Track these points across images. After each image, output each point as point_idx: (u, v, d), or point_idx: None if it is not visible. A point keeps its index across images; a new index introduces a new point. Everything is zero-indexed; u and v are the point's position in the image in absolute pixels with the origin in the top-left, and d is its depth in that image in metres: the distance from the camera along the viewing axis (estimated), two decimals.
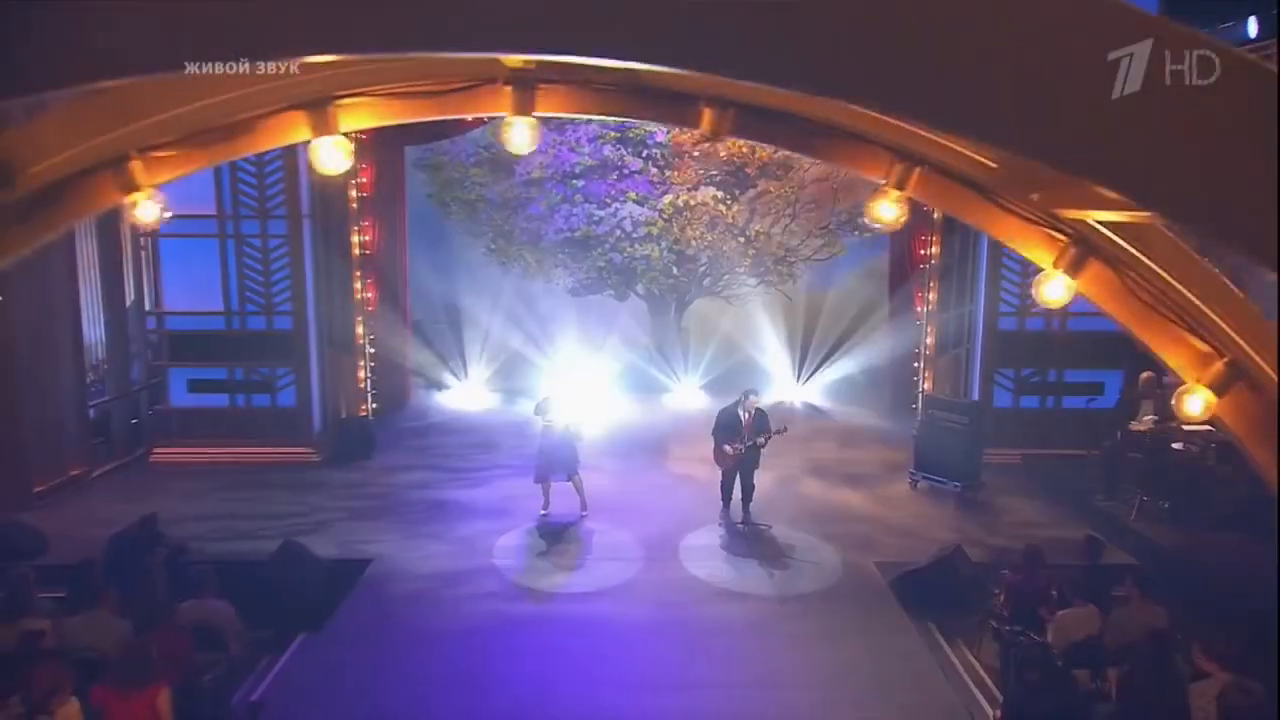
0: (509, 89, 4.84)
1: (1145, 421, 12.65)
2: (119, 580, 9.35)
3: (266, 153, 14.75)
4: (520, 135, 4.91)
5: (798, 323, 20.42)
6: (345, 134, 5.01)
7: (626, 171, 19.84)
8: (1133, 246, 4.97)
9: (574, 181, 19.77)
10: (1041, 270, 5.54)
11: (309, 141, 5.12)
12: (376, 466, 15.27)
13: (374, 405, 17.06)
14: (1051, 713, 7.44)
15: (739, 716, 8.28)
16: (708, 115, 5.17)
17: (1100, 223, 4.93)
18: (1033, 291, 5.55)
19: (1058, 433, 15.04)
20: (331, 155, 5.10)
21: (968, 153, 4.87)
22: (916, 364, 16.57)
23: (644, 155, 19.84)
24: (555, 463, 12.63)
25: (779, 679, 8.91)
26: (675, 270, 20.48)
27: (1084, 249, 5.17)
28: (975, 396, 15.42)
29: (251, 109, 4.88)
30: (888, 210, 4.80)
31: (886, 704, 8.41)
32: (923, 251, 16.16)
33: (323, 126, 4.91)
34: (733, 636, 9.70)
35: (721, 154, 19.52)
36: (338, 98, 4.90)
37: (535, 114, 4.92)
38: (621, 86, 4.89)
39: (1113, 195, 4.13)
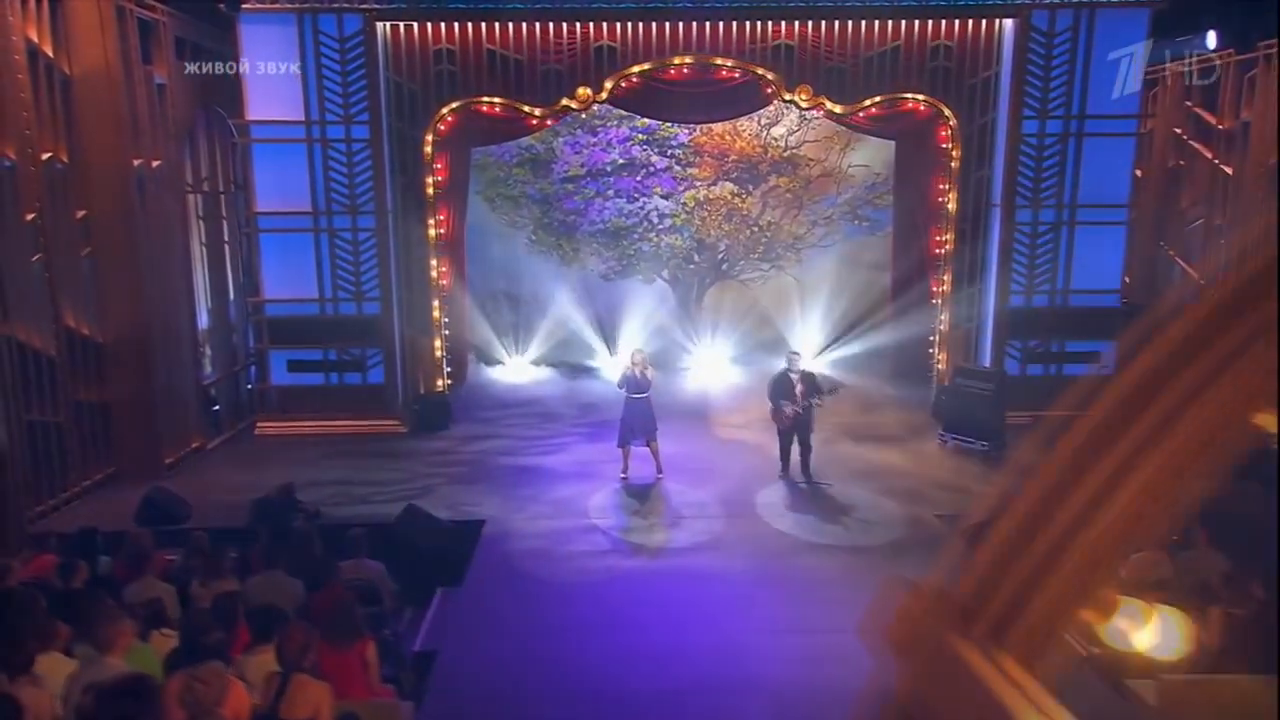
0: None
1: None
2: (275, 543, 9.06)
3: (356, 155, 14.34)
4: None
5: (807, 302, 20.09)
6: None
7: (653, 169, 19.48)
8: None
9: (606, 179, 19.44)
10: None
11: None
12: (457, 436, 14.89)
13: (448, 381, 16.64)
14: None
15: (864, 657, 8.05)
16: None
17: None
18: None
19: (1063, 396, 14.88)
20: None
21: None
22: (931, 338, 16.28)
23: (668, 154, 19.49)
24: (636, 427, 12.30)
25: None
26: (696, 257, 20.20)
27: None
28: (987, 365, 15.24)
29: None
30: None
31: None
32: (936, 248, 15.90)
33: None
34: (831, 585, 9.37)
35: (733, 156, 19.32)
36: None
37: None
38: None
39: None
